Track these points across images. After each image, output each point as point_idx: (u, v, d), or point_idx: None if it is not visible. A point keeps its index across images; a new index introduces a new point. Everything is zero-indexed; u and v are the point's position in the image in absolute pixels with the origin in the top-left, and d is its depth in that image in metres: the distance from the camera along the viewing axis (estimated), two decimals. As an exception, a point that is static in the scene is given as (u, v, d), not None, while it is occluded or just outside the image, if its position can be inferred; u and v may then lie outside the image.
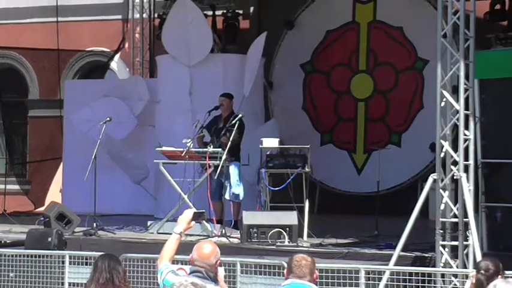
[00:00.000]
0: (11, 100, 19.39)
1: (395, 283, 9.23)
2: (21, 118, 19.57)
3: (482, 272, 6.03)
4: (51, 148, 17.98)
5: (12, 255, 10.93)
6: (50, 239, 11.34)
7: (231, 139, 11.84)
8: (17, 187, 18.56)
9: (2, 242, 12.68)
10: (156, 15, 17.99)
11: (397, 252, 9.78)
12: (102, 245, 11.19)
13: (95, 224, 12.22)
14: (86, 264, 10.14)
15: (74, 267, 10.51)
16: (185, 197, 11.95)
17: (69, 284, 10.48)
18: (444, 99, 9.90)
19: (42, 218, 12.48)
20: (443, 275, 9.46)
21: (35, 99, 19.38)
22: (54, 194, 17.12)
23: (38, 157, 18.63)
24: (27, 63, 19.34)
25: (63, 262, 10.59)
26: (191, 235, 10.62)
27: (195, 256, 5.86)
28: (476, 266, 6.37)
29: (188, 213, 6.14)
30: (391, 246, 10.42)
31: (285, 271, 6.00)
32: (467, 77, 9.93)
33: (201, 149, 12.09)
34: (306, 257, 5.89)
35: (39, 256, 10.80)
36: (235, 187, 12.10)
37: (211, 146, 12.00)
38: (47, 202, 16.15)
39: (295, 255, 5.94)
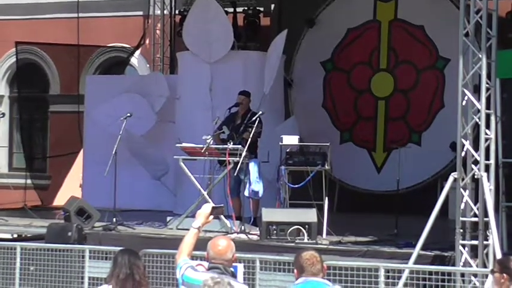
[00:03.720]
0: (32, 95, 19.46)
1: (414, 282, 9.22)
2: (42, 113, 19.67)
3: None
4: (71, 143, 18.04)
5: (32, 249, 11.00)
6: (70, 234, 11.40)
7: (250, 135, 11.87)
8: (36, 181, 18.63)
9: (23, 235, 12.76)
10: (177, 12, 18.03)
11: (416, 250, 9.76)
12: (122, 240, 11.22)
13: (114, 219, 12.26)
14: (106, 258, 10.20)
15: (93, 261, 10.57)
16: (205, 193, 11.96)
17: (89, 278, 10.54)
18: (465, 98, 9.87)
19: (62, 213, 12.53)
20: (462, 274, 9.42)
21: (56, 94, 19.47)
22: (72, 188, 17.16)
23: (58, 152, 18.70)
24: (49, 58, 19.41)
25: (83, 256, 10.66)
26: (210, 231, 10.64)
27: (212, 254, 5.80)
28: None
29: (206, 208, 6.06)
30: (410, 244, 10.39)
31: (295, 271, 5.81)
32: (489, 76, 9.90)
33: (221, 146, 12.10)
34: (315, 254, 5.78)
35: (60, 250, 10.86)
36: (255, 184, 12.08)
37: (232, 143, 12.01)
38: (65, 197, 16.21)
39: (302, 253, 5.79)
